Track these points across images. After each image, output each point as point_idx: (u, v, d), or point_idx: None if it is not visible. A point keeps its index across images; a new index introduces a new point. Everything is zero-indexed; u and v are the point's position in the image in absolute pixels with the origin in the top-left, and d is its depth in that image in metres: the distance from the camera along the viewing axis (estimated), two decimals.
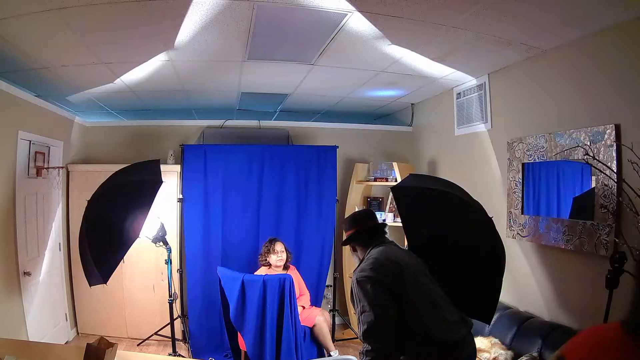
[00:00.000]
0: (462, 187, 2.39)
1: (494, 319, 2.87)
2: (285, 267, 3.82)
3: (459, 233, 2.06)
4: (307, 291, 3.95)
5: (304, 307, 3.72)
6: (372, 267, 1.86)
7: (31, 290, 3.40)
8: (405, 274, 1.86)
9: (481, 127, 3.53)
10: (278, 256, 3.74)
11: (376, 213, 4.44)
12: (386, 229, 2.18)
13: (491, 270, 2.05)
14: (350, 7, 2.19)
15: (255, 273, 3.69)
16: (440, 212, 2.13)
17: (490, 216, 2.13)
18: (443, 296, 1.94)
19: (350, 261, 4.58)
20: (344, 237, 2.19)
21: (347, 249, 4.35)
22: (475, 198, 2.31)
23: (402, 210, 2.34)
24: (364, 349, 1.77)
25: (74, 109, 4.56)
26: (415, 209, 2.18)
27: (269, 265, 3.76)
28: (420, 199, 2.21)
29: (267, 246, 3.81)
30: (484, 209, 2.23)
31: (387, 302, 1.78)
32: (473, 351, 1.96)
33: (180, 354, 3.64)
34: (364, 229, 2.11)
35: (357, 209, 4.54)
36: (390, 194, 4.32)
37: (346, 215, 4.56)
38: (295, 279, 3.53)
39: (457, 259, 2.05)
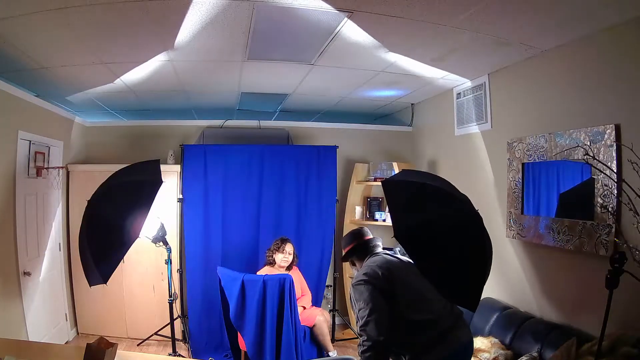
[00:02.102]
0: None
1: (493, 319, 2.89)
2: (289, 268, 3.82)
3: (443, 223, 2.14)
4: (309, 291, 3.95)
5: (304, 308, 3.72)
6: (365, 272, 2.13)
7: (31, 290, 3.40)
8: (394, 275, 2.12)
9: (481, 127, 3.53)
10: (285, 257, 3.74)
11: (376, 213, 4.52)
12: (379, 242, 2.43)
13: (475, 260, 2.11)
14: (351, 7, 2.19)
15: (258, 272, 3.69)
16: (425, 203, 2.23)
17: (477, 209, 2.18)
18: (432, 291, 2.10)
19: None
20: (343, 254, 2.44)
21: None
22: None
23: (389, 201, 2.47)
24: (362, 340, 1.99)
25: (74, 109, 4.56)
26: (401, 199, 2.31)
27: (273, 263, 3.75)
28: (406, 191, 2.35)
29: (277, 244, 3.80)
30: (470, 202, 2.26)
31: (380, 298, 2.02)
32: (468, 342, 2.13)
33: (180, 354, 3.64)
34: (360, 244, 2.38)
35: (357, 209, 4.57)
36: None
37: (346, 216, 4.59)
38: (297, 279, 3.53)
39: (441, 247, 2.13)
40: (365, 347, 1.96)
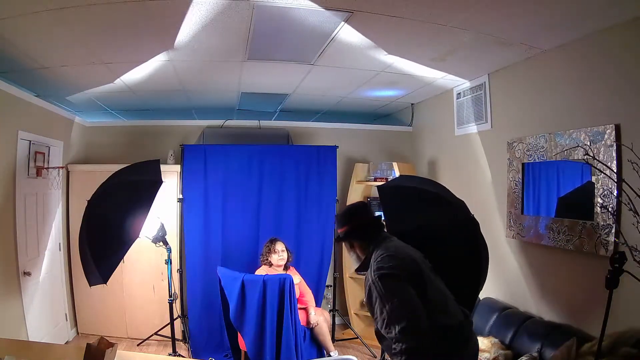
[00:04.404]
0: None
1: (493, 319, 2.89)
2: (285, 268, 3.82)
3: (437, 228, 2.13)
4: (309, 290, 3.94)
5: (307, 308, 3.72)
6: (392, 264, 1.77)
7: (31, 290, 3.40)
8: (422, 269, 1.83)
9: (481, 127, 3.53)
10: (279, 255, 3.74)
11: (376, 213, 4.50)
12: (383, 221, 2.12)
13: (470, 264, 2.11)
14: (351, 7, 2.19)
15: (256, 272, 3.69)
16: (420, 208, 2.22)
17: (472, 214, 2.17)
18: (446, 289, 1.93)
19: (350, 261, 4.58)
20: (344, 231, 2.04)
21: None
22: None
23: (384, 207, 2.48)
24: (401, 347, 1.64)
25: (74, 109, 4.56)
26: (395, 206, 2.28)
27: (270, 264, 3.76)
28: (401, 197, 2.31)
29: (267, 246, 3.82)
30: (466, 207, 2.26)
31: (416, 298, 1.71)
32: (478, 342, 2.00)
33: (180, 354, 3.64)
34: (361, 224, 2.00)
35: None
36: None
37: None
38: (295, 279, 3.52)
39: (435, 252, 2.10)
40: (406, 357, 1.64)
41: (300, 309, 3.73)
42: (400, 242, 1.97)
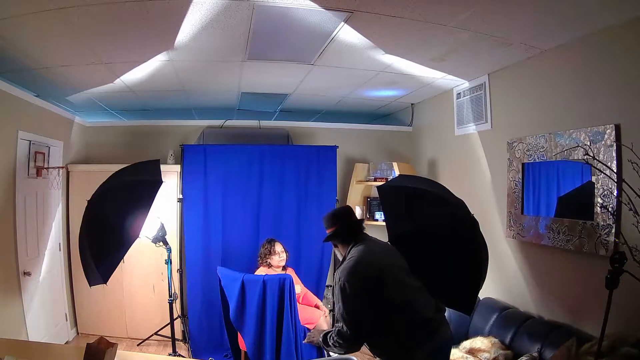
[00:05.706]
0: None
1: (493, 319, 2.89)
2: (284, 268, 3.82)
3: (437, 228, 2.15)
4: (306, 289, 3.95)
5: (317, 306, 3.75)
6: (354, 271, 2.04)
7: (31, 290, 3.40)
8: (384, 275, 2.05)
9: (481, 127, 3.53)
10: (279, 257, 3.74)
11: (376, 213, 4.50)
12: (364, 224, 2.35)
13: (470, 264, 2.12)
14: (350, 8, 2.19)
15: (255, 273, 3.69)
16: (420, 208, 2.23)
17: (472, 213, 2.17)
18: (419, 287, 2.09)
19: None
20: (327, 235, 2.32)
21: None
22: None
23: (384, 207, 2.52)
24: (336, 337, 2.04)
25: (74, 109, 4.56)
26: (396, 205, 2.30)
27: (270, 265, 3.75)
28: (401, 197, 2.36)
29: (266, 247, 3.79)
30: (466, 207, 2.26)
31: (366, 308, 2.00)
32: (451, 335, 2.14)
33: (180, 354, 3.64)
34: (343, 227, 2.26)
35: (357, 209, 4.56)
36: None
37: None
38: (297, 289, 3.54)
39: (435, 252, 2.13)
40: (337, 345, 2.06)
41: (314, 305, 3.78)
42: (371, 246, 2.19)
